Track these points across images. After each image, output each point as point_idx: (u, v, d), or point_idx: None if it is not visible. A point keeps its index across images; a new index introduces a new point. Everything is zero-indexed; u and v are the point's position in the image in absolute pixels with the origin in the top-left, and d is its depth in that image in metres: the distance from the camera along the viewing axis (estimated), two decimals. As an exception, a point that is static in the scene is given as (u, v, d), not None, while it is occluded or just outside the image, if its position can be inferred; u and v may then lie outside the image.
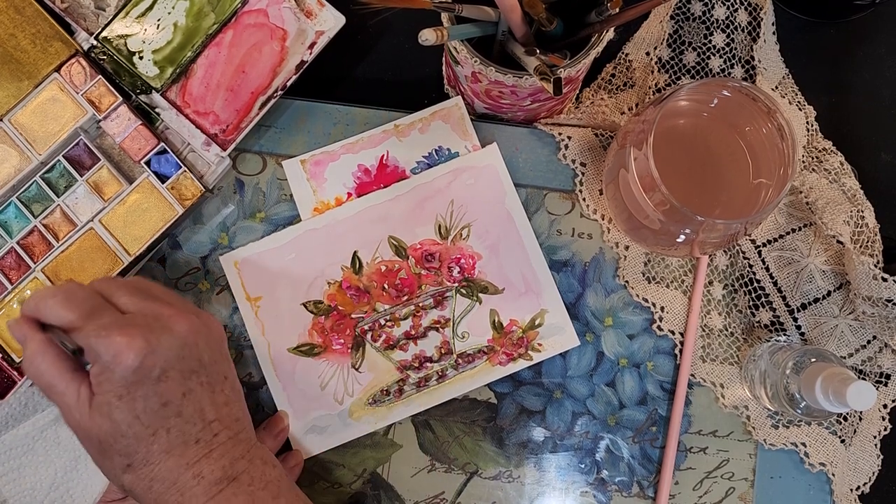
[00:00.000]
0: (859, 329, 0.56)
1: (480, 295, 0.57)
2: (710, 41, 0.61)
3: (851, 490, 0.57)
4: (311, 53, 0.56)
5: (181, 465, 0.43)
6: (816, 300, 0.57)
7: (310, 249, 0.57)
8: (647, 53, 0.61)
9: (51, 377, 0.43)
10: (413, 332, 0.56)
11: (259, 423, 0.55)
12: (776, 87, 0.61)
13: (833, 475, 0.56)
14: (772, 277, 0.58)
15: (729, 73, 0.61)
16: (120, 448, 0.43)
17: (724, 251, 0.58)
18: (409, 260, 0.57)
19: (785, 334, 0.57)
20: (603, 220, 0.58)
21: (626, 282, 0.57)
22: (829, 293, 0.57)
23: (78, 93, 0.55)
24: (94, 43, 0.55)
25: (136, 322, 0.43)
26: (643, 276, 0.58)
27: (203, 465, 0.43)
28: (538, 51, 0.47)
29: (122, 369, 0.41)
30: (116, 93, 0.55)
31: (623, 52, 0.62)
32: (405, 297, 0.57)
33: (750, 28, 0.61)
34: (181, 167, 0.55)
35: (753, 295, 0.58)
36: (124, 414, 0.42)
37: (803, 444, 0.56)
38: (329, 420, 0.55)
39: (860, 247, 0.55)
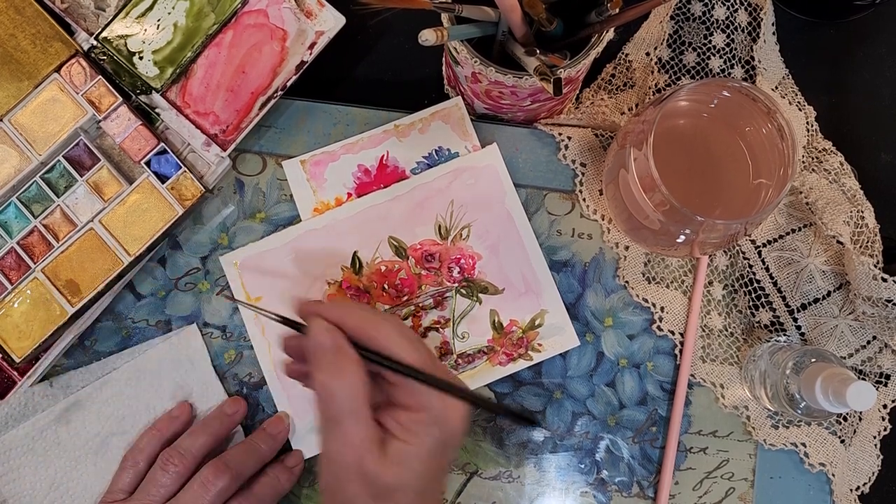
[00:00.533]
0: (859, 329, 0.56)
1: (480, 295, 0.57)
2: (710, 41, 0.61)
3: (851, 490, 0.57)
4: (311, 54, 0.56)
5: None
6: (816, 300, 0.57)
7: (310, 250, 0.57)
8: (647, 54, 0.61)
9: (360, 407, 0.40)
10: (413, 333, 0.56)
11: (259, 423, 0.55)
12: (776, 88, 0.61)
13: (833, 475, 0.56)
14: (772, 278, 0.58)
15: (729, 74, 0.61)
16: (398, 500, 0.41)
17: (724, 251, 0.58)
18: (409, 260, 0.57)
19: (785, 334, 0.57)
20: (603, 220, 0.58)
21: (626, 282, 0.57)
22: (829, 293, 0.57)
23: (78, 93, 0.55)
24: (94, 43, 0.55)
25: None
26: (643, 276, 0.58)
27: None
28: (538, 51, 0.47)
29: (449, 430, 0.41)
30: (116, 93, 0.55)
31: (623, 53, 0.62)
32: (405, 298, 0.57)
33: (750, 28, 0.61)
34: (181, 167, 0.55)
35: (753, 295, 0.58)
36: (426, 471, 0.41)
37: (803, 445, 0.56)
38: (329, 420, 0.55)
39: (860, 247, 0.55)
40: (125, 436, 0.55)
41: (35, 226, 0.54)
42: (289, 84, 0.56)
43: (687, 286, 0.58)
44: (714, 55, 0.61)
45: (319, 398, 0.42)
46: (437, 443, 0.41)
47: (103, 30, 0.55)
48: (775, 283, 0.58)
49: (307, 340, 0.42)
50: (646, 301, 0.57)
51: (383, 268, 0.57)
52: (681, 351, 0.57)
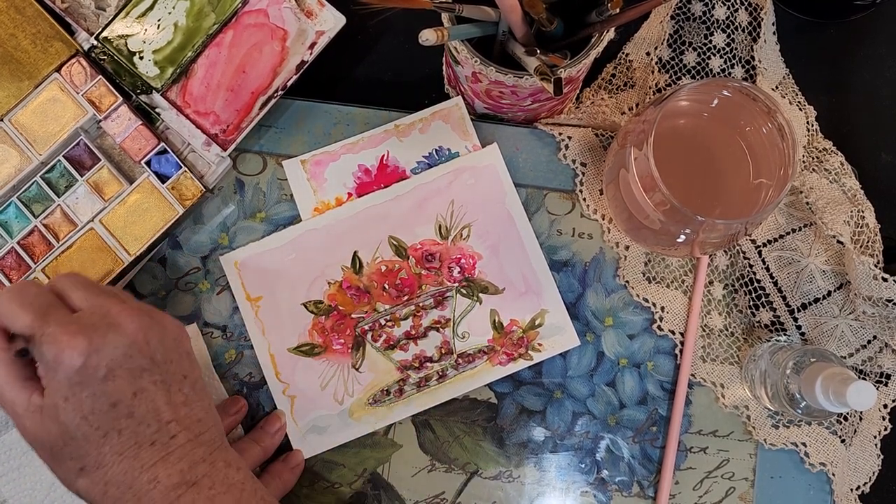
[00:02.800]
0: (859, 329, 0.56)
1: (480, 295, 0.57)
2: (710, 41, 0.62)
3: (851, 490, 0.57)
4: (311, 53, 0.56)
5: (135, 468, 0.41)
6: (816, 300, 0.57)
7: (310, 249, 0.57)
8: (648, 53, 0.61)
9: (4, 384, 0.42)
10: (413, 332, 0.56)
11: (259, 422, 0.55)
12: (776, 87, 0.61)
13: (833, 475, 0.56)
14: (772, 277, 0.58)
15: (729, 74, 0.61)
16: (70, 451, 0.41)
17: (725, 251, 0.58)
18: (410, 260, 0.57)
19: (785, 334, 0.57)
20: (603, 220, 0.58)
21: (627, 282, 0.57)
22: (829, 293, 0.57)
23: (78, 93, 0.55)
24: (95, 43, 0.55)
25: (81, 321, 0.41)
26: (643, 276, 0.58)
27: (159, 468, 0.41)
28: (538, 51, 0.47)
29: (65, 369, 0.40)
30: (117, 93, 0.55)
31: (623, 52, 0.62)
32: (405, 297, 0.57)
33: (750, 28, 0.61)
34: (181, 167, 0.55)
35: (754, 295, 0.58)
36: (71, 415, 0.40)
37: (803, 444, 0.56)
38: (329, 420, 0.55)
39: (860, 247, 0.55)
40: (125, 435, 0.55)
41: (35, 226, 0.54)
42: (289, 84, 0.56)
43: (687, 286, 0.58)
44: (714, 55, 0.61)
45: None
46: (63, 386, 0.40)
47: (104, 29, 0.55)
48: (776, 283, 0.58)
49: None
50: (646, 301, 0.57)
51: (383, 268, 0.57)
52: (681, 351, 0.57)
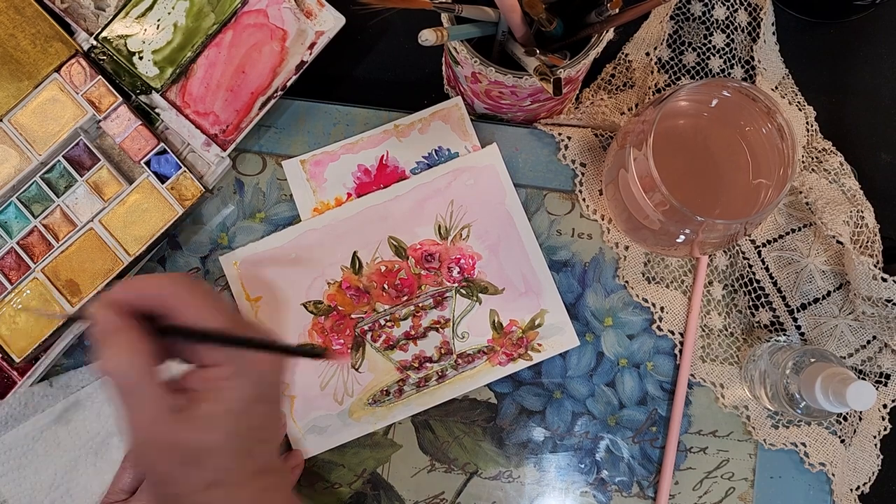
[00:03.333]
0: (859, 329, 0.56)
1: (480, 295, 0.57)
2: (710, 41, 0.61)
3: (851, 490, 0.57)
4: (311, 54, 0.56)
5: (258, 493, 0.40)
6: (816, 300, 0.57)
7: (310, 250, 0.57)
8: (647, 54, 0.61)
9: (145, 379, 0.38)
10: (413, 333, 0.56)
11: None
12: (776, 88, 0.61)
13: (833, 475, 0.56)
14: (772, 277, 0.58)
15: (729, 74, 0.61)
16: (213, 463, 0.39)
17: (724, 251, 0.58)
18: (409, 260, 0.57)
19: (785, 334, 0.57)
20: (603, 220, 0.58)
21: (626, 282, 0.57)
22: (828, 293, 0.57)
23: (78, 93, 0.55)
24: (94, 43, 0.55)
25: None
26: (643, 276, 0.58)
27: (274, 494, 0.41)
28: (538, 51, 0.47)
29: (259, 384, 0.39)
30: (116, 93, 0.55)
31: (623, 53, 0.62)
32: (405, 298, 0.57)
33: (750, 28, 0.61)
34: (181, 167, 0.55)
35: (753, 295, 0.58)
36: (235, 430, 0.39)
37: (803, 444, 0.56)
38: (329, 420, 0.55)
39: (860, 247, 0.55)
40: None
41: (35, 226, 0.54)
42: (289, 84, 0.56)
43: (687, 286, 0.58)
44: (714, 55, 0.61)
45: (104, 381, 0.40)
46: (246, 397, 0.39)
47: (103, 30, 0.55)
48: (775, 283, 0.58)
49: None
50: (646, 301, 0.57)
51: (383, 268, 0.57)
52: (681, 351, 0.57)
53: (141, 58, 0.55)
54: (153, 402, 0.38)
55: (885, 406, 0.57)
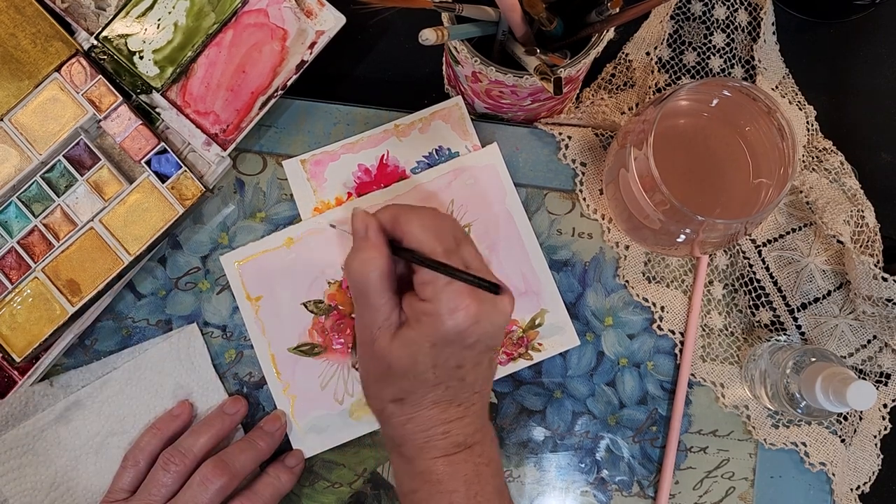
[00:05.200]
0: (859, 329, 0.56)
1: (481, 295, 0.57)
2: (710, 41, 0.62)
3: (851, 490, 0.57)
4: (311, 53, 0.56)
5: (439, 419, 0.46)
6: (816, 300, 0.57)
7: (310, 249, 0.57)
8: (648, 53, 0.61)
9: (375, 289, 0.45)
10: (413, 332, 0.56)
11: (259, 422, 0.55)
12: (776, 87, 0.61)
13: (833, 475, 0.56)
14: (772, 277, 0.58)
15: (729, 73, 0.61)
16: (404, 384, 0.45)
17: (725, 251, 0.58)
18: (410, 260, 0.57)
19: (785, 334, 0.57)
20: (603, 219, 0.58)
21: (627, 281, 0.57)
22: (829, 293, 0.57)
23: (78, 92, 0.55)
24: (95, 43, 0.55)
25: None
26: (643, 275, 0.58)
27: (454, 425, 0.46)
28: (538, 51, 0.47)
29: (452, 325, 0.43)
30: (117, 92, 0.55)
31: (623, 52, 0.62)
32: (405, 297, 0.56)
33: (750, 28, 0.61)
34: (181, 167, 0.55)
35: (753, 295, 0.58)
36: (426, 359, 0.44)
37: (803, 444, 0.56)
38: (329, 420, 0.55)
39: (860, 246, 0.55)
40: (125, 435, 0.55)
41: (35, 225, 0.54)
42: (289, 83, 0.56)
43: (687, 286, 0.58)
44: (714, 55, 0.61)
45: (346, 277, 0.48)
46: (440, 334, 0.44)
47: (103, 29, 0.55)
48: (775, 283, 0.58)
49: None
50: (646, 300, 0.57)
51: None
52: (681, 350, 0.57)
53: (141, 57, 0.55)
54: (380, 313, 0.45)
55: (885, 406, 0.57)
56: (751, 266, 0.58)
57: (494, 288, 0.44)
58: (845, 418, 0.57)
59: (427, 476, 0.46)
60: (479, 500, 0.46)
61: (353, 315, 0.56)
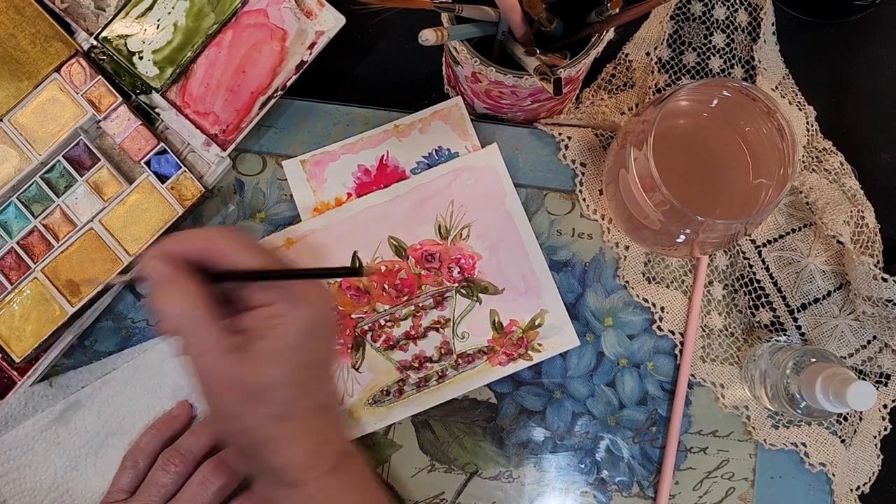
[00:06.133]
0: (859, 329, 0.56)
1: (480, 295, 0.57)
2: (710, 41, 0.61)
3: (851, 490, 0.57)
4: (311, 53, 0.56)
5: (320, 429, 0.42)
6: (816, 300, 0.57)
7: (310, 250, 0.56)
8: (647, 53, 0.61)
9: (193, 319, 0.40)
10: (413, 333, 0.56)
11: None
12: (776, 87, 0.61)
13: (833, 475, 0.56)
14: (772, 277, 0.58)
15: (729, 74, 0.61)
16: (277, 397, 0.41)
17: (724, 251, 0.58)
18: (409, 260, 0.57)
19: (785, 334, 0.57)
20: (603, 220, 0.58)
21: (626, 282, 0.57)
22: (829, 293, 0.57)
23: (78, 93, 0.55)
24: (94, 43, 0.55)
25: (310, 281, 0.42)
26: (643, 276, 0.58)
27: (333, 433, 0.43)
28: (538, 51, 0.47)
29: (311, 318, 0.40)
30: (116, 93, 0.55)
31: (623, 52, 0.62)
32: (405, 298, 0.57)
33: (750, 28, 0.61)
34: (181, 167, 0.55)
35: (753, 295, 0.58)
36: (295, 363, 0.41)
37: (803, 444, 0.56)
38: (329, 420, 0.55)
39: (860, 247, 0.55)
40: (125, 436, 0.55)
41: (35, 226, 0.54)
42: (289, 84, 0.56)
43: (687, 286, 0.58)
44: (714, 55, 0.61)
45: (161, 325, 0.41)
46: (300, 330, 0.40)
47: (103, 30, 0.55)
48: (775, 283, 0.58)
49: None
50: (646, 301, 0.57)
51: (383, 268, 0.57)
52: (681, 351, 0.57)
53: (141, 58, 0.55)
54: (212, 343, 0.40)
55: (885, 406, 0.57)
56: (751, 266, 0.58)
57: (354, 271, 0.42)
58: (845, 419, 0.57)
59: (322, 495, 0.42)
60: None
61: (352, 315, 0.56)
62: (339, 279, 0.56)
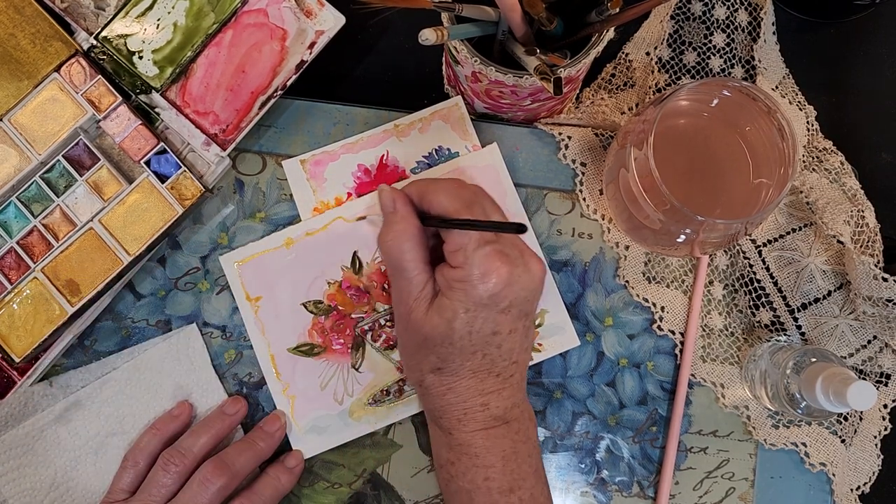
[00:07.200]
0: (860, 329, 0.56)
1: (480, 295, 0.57)
2: (710, 41, 0.61)
3: (851, 490, 0.57)
4: (311, 53, 0.56)
5: (477, 390, 0.47)
6: (817, 300, 0.57)
7: (310, 250, 0.56)
8: (648, 53, 0.61)
9: (409, 261, 0.47)
10: (413, 332, 0.56)
11: (259, 422, 0.55)
12: (776, 87, 0.61)
13: (833, 475, 0.56)
14: (772, 277, 0.58)
15: (729, 73, 0.61)
16: (442, 352, 0.46)
17: (725, 251, 0.58)
18: (409, 260, 0.57)
19: (785, 334, 0.57)
20: (603, 220, 0.58)
21: (627, 282, 0.57)
22: (829, 293, 0.57)
23: (78, 93, 0.55)
24: (94, 43, 0.55)
25: (507, 250, 0.46)
26: (643, 275, 0.58)
27: (493, 398, 0.47)
28: (538, 50, 0.47)
29: (484, 289, 0.45)
30: (116, 93, 0.55)
31: (623, 52, 0.62)
32: (405, 297, 0.56)
33: (750, 28, 0.61)
34: (181, 167, 0.55)
35: (754, 295, 0.58)
36: (462, 326, 0.45)
37: (804, 444, 0.56)
38: (329, 420, 0.55)
39: (860, 247, 0.55)
40: (125, 435, 0.55)
41: (35, 225, 0.54)
42: (288, 83, 0.56)
43: (687, 286, 0.58)
44: (714, 55, 0.61)
45: (381, 252, 0.50)
46: (473, 299, 0.45)
47: (103, 29, 0.55)
48: (776, 283, 0.58)
49: None
50: (646, 301, 0.57)
51: (383, 268, 0.57)
52: (681, 351, 0.57)
53: (141, 57, 0.55)
54: (411, 283, 0.47)
55: (885, 406, 0.57)
56: (751, 266, 0.58)
57: (519, 227, 0.45)
58: (845, 418, 0.57)
59: (465, 449, 0.47)
60: (515, 476, 0.47)
61: (353, 315, 0.56)
62: (338, 280, 0.56)
